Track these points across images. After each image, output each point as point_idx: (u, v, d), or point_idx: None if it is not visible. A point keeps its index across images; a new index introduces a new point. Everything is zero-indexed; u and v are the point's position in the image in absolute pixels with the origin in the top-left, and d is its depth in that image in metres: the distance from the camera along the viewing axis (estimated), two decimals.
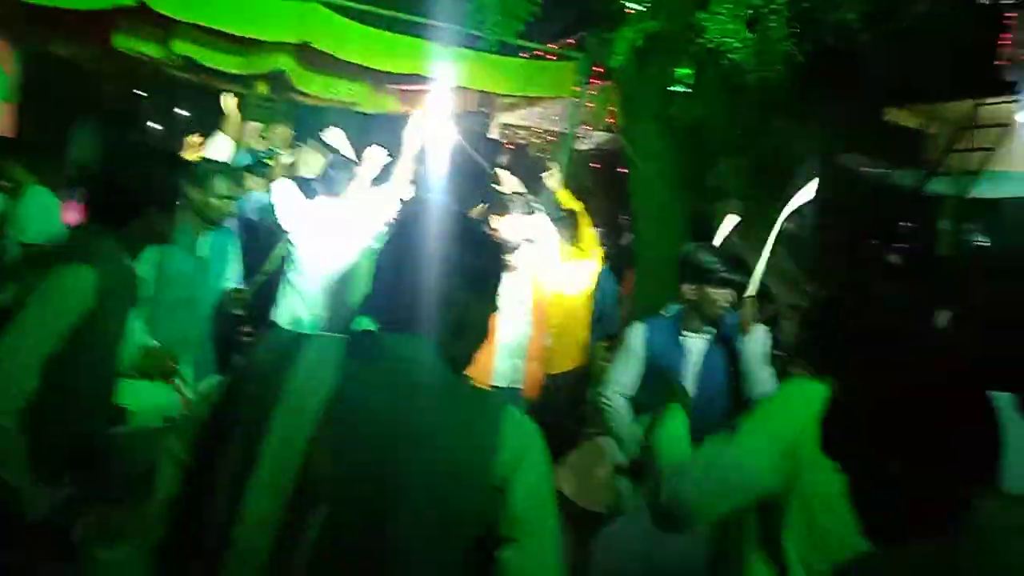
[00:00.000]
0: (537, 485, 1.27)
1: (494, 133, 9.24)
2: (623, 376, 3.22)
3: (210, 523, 1.25)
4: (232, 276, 3.93)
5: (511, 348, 3.98)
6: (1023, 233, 7.61)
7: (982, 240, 8.62)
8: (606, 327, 5.97)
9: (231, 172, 3.79)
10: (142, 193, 2.24)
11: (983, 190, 7.64)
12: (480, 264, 1.39)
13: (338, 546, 1.20)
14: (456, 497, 1.22)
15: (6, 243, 4.72)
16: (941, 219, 7.08)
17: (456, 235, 1.37)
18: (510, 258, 3.89)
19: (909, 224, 8.72)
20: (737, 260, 3.19)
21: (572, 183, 9.35)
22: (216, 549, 1.22)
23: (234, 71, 6.13)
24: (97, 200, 2.25)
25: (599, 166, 9.70)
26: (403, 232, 1.39)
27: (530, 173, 9.21)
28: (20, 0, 4.99)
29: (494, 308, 1.44)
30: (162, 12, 5.01)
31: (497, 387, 3.97)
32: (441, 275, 1.33)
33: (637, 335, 3.24)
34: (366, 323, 1.42)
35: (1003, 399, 2.28)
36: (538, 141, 9.47)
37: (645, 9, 6.40)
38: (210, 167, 3.66)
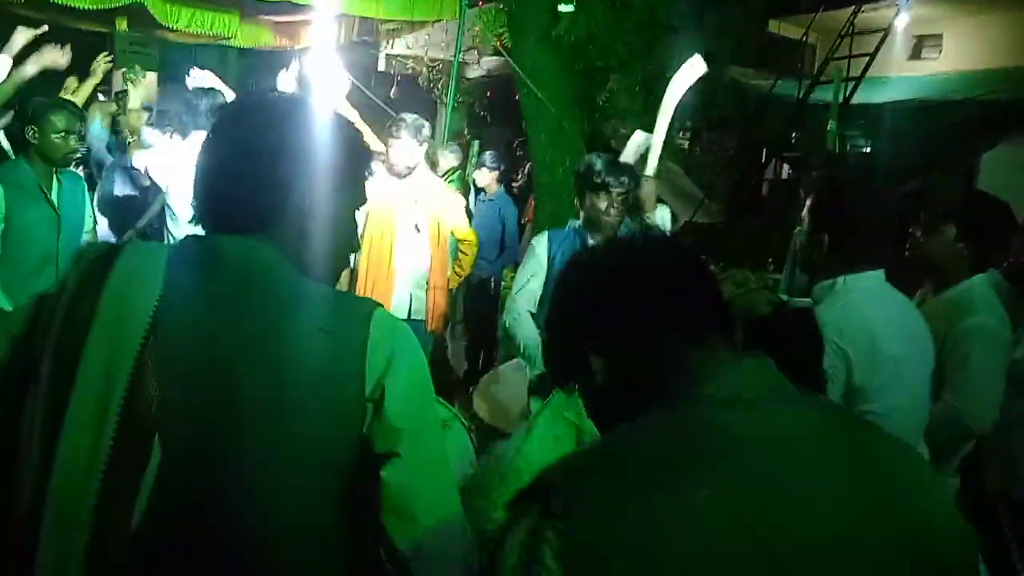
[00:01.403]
0: (413, 390, 1.12)
1: (381, 64, 8.92)
2: (529, 288, 3.14)
3: (21, 479, 1.04)
4: (86, 226, 3.62)
5: (409, 278, 3.85)
6: (902, 136, 7.88)
7: (864, 145, 8.92)
8: (511, 255, 5.92)
9: (71, 107, 3.43)
10: None
11: (863, 96, 7.85)
12: (329, 153, 1.18)
13: (182, 490, 1.02)
14: (320, 415, 1.06)
15: None
16: (826, 126, 7.25)
17: (296, 119, 1.16)
18: (376, 164, 3.71)
19: (796, 134, 8.93)
20: (627, 167, 3.14)
21: (465, 111, 9.18)
22: (31, 508, 1.01)
23: (87, 6, 5.64)
24: None
25: (490, 92, 9.52)
26: (234, 120, 1.18)
27: (423, 104, 8.98)
28: None
29: (350, 207, 1.24)
30: None
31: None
32: (281, 165, 1.13)
33: (541, 245, 3.16)
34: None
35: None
36: (427, 71, 9.18)
37: None
38: (42, 102, 3.33)
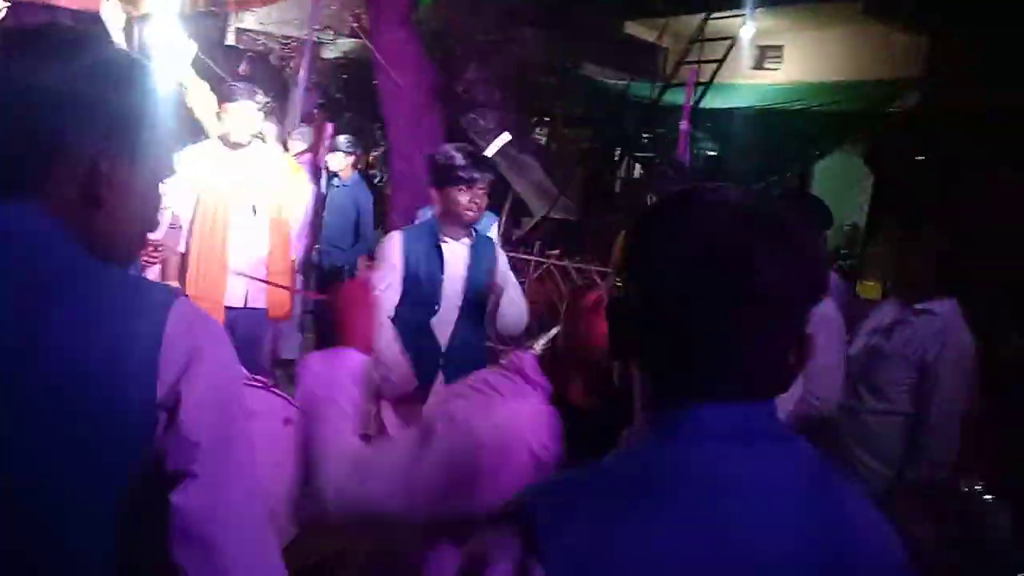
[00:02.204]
0: (216, 396, 0.95)
1: (230, 38, 8.45)
2: (386, 297, 3.02)
3: None
4: None
5: (244, 263, 3.62)
6: (745, 141, 8.27)
7: (712, 148, 9.31)
8: (366, 243, 5.73)
9: None
10: None
11: (711, 101, 8.17)
12: (132, 105, 0.96)
13: None
14: (102, 421, 0.88)
15: None
16: (677, 128, 7.50)
17: (95, 58, 0.94)
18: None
19: (648, 134, 9.20)
20: (482, 157, 3.07)
21: (322, 94, 8.85)
22: None
23: None
24: None
25: (347, 75, 9.23)
26: (8, 52, 0.93)
27: (273, 84, 8.57)
28: None
29: (153, 175, 1.03)
30: None
31: (232, 307, 3.63)
32: (66, 112, 0.92)
33: (393, 248, 3.04)
34: None
35: None
36: (278, 48, 8.78)
37: None
38: None
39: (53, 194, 0.93)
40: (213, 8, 7.13)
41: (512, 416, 1.30)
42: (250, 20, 8.03)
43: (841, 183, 8.39)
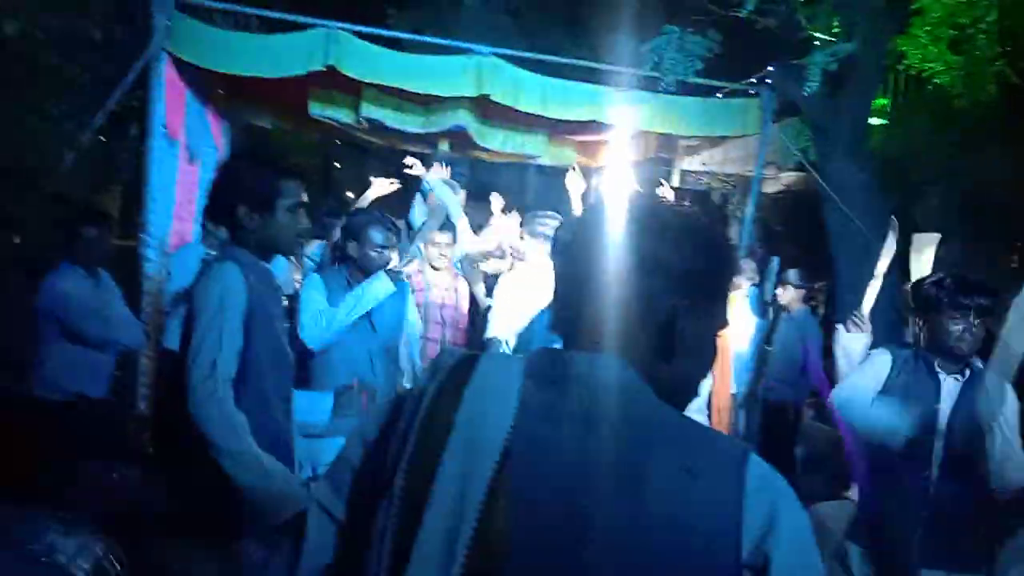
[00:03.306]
0: (804, 557, 0.92)
1: (675, 180, 8.97)
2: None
3: None
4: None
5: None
6: None
7: None
8: (813, 379, 5.50)
9: (387, 223, 3.78)
10: None
11: None
12: (691, 261, 1.03)
13: None
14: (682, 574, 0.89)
15: None
16: None
17: (664, 227, 1.04)
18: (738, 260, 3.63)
19: None
20: (983, 285, 2.77)
21: (760, 227, 8.88)
22: None
23: (417, 130, 6.30)
24: None
25: (788, 208, 9.16)
26: (587, 226, 1.08)
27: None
28: (227, 75, 5.39)
29: (714, 328, 1.09)
30: (350, 75, 5.23)
31: None
32: (639, 276, 1.01)
33: (883, 362, 2.91)
34: (550, 341, 1.13)
35: None
36: (719, 186, 9.06)
37: (834, 39, 6.00)
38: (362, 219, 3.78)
39: (637, 346, 1.02)
40: (663, 154, 7.68)
41: None
42: (694, 162, 8.45)
43: None
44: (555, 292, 1.11)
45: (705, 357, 1.10)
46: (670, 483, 0.91)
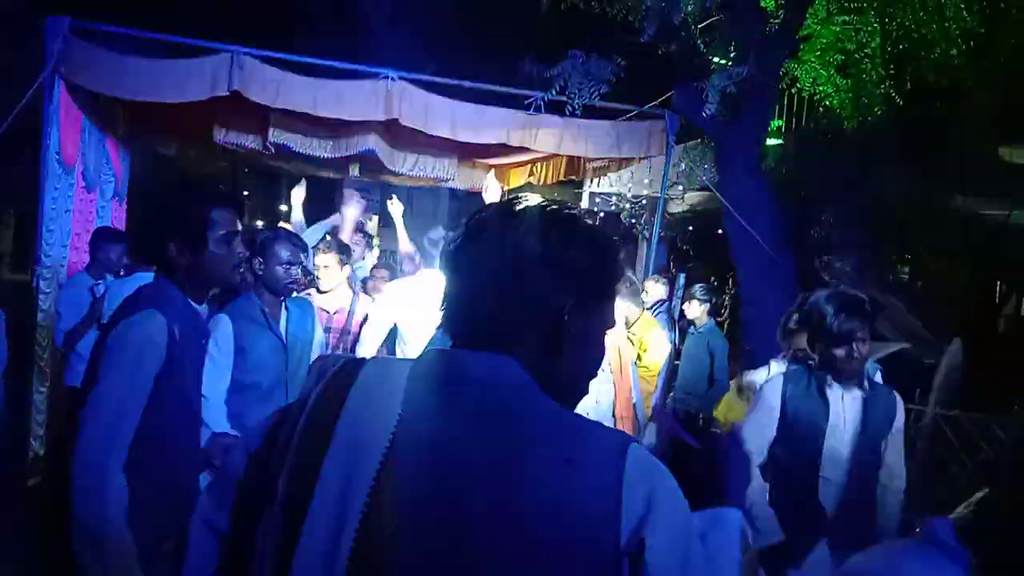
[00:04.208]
0: (679, 543, 0.95)
1: (584, 202, 9.16)
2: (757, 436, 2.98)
3: None
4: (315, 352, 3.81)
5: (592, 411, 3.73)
6: None
7: None
8: (720, 389, 5.65)
9: (294, 239, 3.68)
10: None
11: None
12: (577, 260, 1.06)
13: None
14: (572, 566, 0.90)
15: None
16: None
17: (549, 228, 1.07)
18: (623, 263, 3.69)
19: None
20: (867, 312, 2.88)
21: (669, 247, 9.12)
22: None
23: (326, 155, 6.26)
24: None
25: (692, 227, 9.46)
26: (476, 227, 1.10)
27: (624, 240, 9.07)
28: (127, 101, 5.25)
29: (603, 328, 1.12)
30: (255, 100, 5.16)
31: None
32: (527, 275, 1.03)
33: (773, 392, 2.98)
34: (440, 341, 1.14)
35: None
36: (628, 207, 9.31)
37: (732, 62, 6.27)
38: (267, 235, 3.67)
39: (526, 345, 1.04)
40: (572, 177, 7.83)
41: None
42: (603, 184, 8.65)
43: None
44: (445, 293, 1.12)
45: (593, 355, 1.12)
46: (552, 474, 0.93)
